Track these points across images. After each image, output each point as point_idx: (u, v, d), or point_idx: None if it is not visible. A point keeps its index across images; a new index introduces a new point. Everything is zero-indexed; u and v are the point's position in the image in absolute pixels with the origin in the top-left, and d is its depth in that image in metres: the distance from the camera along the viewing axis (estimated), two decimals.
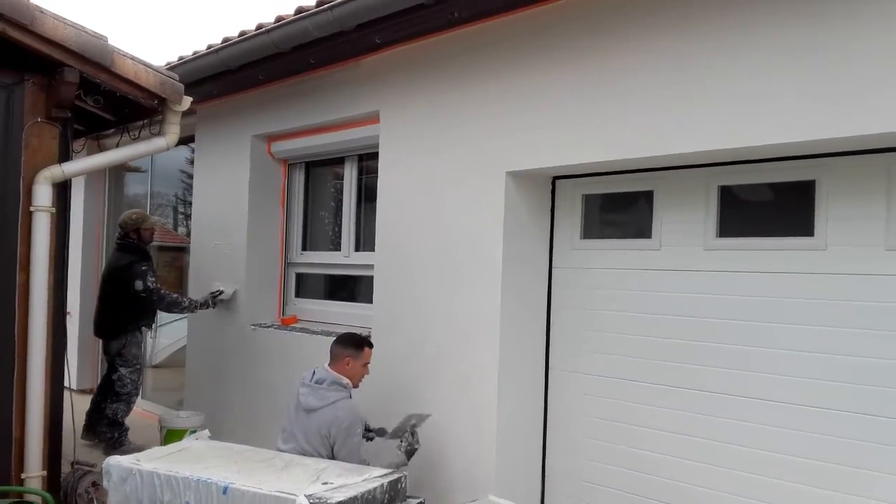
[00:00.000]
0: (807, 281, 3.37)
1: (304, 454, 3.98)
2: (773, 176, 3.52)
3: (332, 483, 3.28)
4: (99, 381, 7.12)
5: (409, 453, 4.13)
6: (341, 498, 3.14)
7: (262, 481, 3.27)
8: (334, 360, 4.23)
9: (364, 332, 5.11)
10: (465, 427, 4.31)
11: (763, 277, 3.51)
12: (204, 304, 6.13)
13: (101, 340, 6.67)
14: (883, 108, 2.78)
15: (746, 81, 3.16)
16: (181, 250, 6.96)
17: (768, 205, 3.69)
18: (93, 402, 6.57)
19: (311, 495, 3.09)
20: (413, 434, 4.16)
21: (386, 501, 3.40)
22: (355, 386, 4.25)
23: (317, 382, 4.14)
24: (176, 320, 7.68)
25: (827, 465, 3.27)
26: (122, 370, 6.27)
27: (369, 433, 4.32)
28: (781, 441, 3.41)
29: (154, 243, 6.90)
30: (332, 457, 3.98)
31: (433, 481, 4.41)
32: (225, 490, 3.22)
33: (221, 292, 6.16)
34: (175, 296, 6.23)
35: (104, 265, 6.70)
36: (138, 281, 6.06)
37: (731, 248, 3.64)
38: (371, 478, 3.43)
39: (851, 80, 2.86)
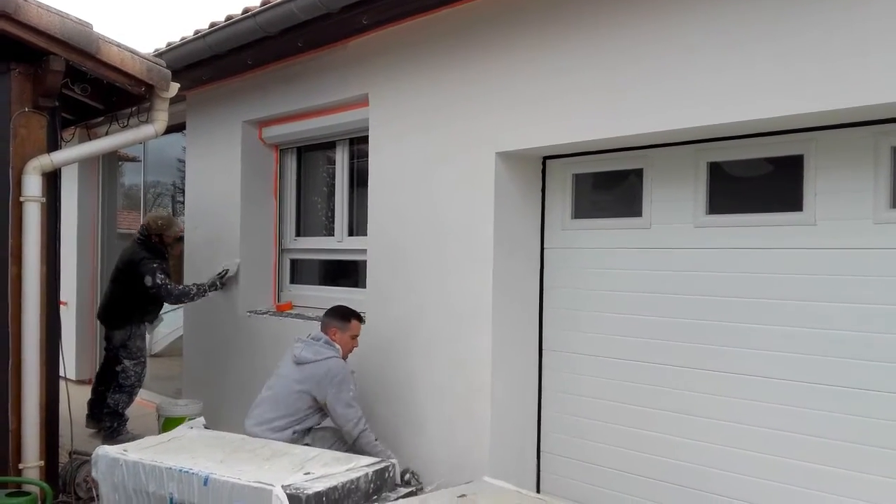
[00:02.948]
0: (797, 256, 3.35)
1: (276, 395, 4.33)
2: (761, 151, 3.50)
3: (313, 473, 3.23)
4: (97, 369, 7.14)
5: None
6: (319, 488, 3.09)
7: (243, 472, 3.25)
8: (323, 329, 4.48)
9: None
10: (459, 409, 4.32)
11: (753, 253, 3.50)
12: (212, 286, 6.09)
13: (103, 326, 6.66)
14: (868, 80, 2.75)
15: (729, 54, 3.13)
16: (178, 240, 6.92)
17: (757, 180, 3.67)
18: (93, 391, 6.59)
19: (288, 485, 3.05)
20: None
21: (371, 491, 3.34)
22: (343, 357, 4.42)
23: (313, 339, 4.43)
24: (174, 310, 7.68)
25: (820, 439, 3.27)
26: (127, 362, 6.29)
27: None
28: (771, 416, 3.41)
29: None
30: (316, 406, 4.31)
31: (428, 464, 4.42)
32: (205, 481, 3.22)
33: (227, 271, 6.15)
34: (182, 287, 6.19)
35: (120, 253, 6.66)
36: (148, 277, 6.06)
37: (720, 225, 3.63)
38: (356, 467, 3.37)
39: (834, 51, 2.83)
